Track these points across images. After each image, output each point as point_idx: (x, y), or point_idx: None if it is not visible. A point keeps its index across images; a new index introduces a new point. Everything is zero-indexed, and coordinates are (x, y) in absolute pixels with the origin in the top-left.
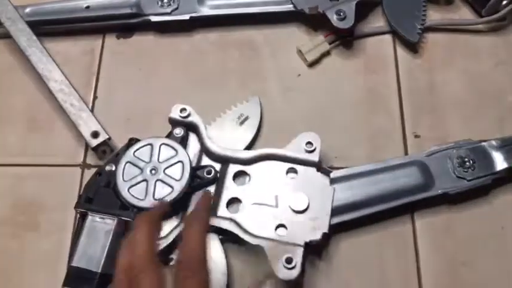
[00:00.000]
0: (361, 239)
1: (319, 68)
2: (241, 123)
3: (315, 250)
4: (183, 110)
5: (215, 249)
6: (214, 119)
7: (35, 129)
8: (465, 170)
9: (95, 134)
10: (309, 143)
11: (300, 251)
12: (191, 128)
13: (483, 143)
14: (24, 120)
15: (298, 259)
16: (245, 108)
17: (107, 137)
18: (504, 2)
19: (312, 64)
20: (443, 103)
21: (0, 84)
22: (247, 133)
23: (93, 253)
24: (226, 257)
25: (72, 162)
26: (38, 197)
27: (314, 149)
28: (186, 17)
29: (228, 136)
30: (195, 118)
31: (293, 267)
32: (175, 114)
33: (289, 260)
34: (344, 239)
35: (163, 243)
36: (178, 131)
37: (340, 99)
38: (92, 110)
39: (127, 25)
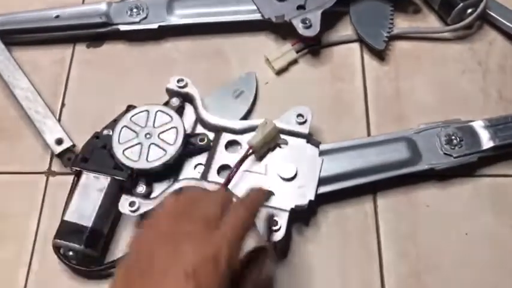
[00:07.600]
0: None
1: (286, 76)
2: (237, 96)
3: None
4: (180, 80)
5: None
6: (210, 93)
7: (1, 137)
8: (452, 147)
9: (59, 141)
10: (300, 115)
11: (285, 215)
12: (187, 98)
13: (471, 123)
14: None
15: (283, 222)
16: (241, 83)
17: (71, 144)
18: (469, 11)
19: (279, 72)
20: (410, 110)
21: None
22: (242, 106)
23: (85, 209)
24: None
25: (37, 170)
26: (0, 205)
27: (305, 121)
28: (155, 26)
29: (223, 108)
30: (191, 89)
31: (278, 230)
32: (173, 85)
33: (274, 223)
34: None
35: (153, 204)
36: (175, 101)
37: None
38: (59, 118)
39: (97, 34)
